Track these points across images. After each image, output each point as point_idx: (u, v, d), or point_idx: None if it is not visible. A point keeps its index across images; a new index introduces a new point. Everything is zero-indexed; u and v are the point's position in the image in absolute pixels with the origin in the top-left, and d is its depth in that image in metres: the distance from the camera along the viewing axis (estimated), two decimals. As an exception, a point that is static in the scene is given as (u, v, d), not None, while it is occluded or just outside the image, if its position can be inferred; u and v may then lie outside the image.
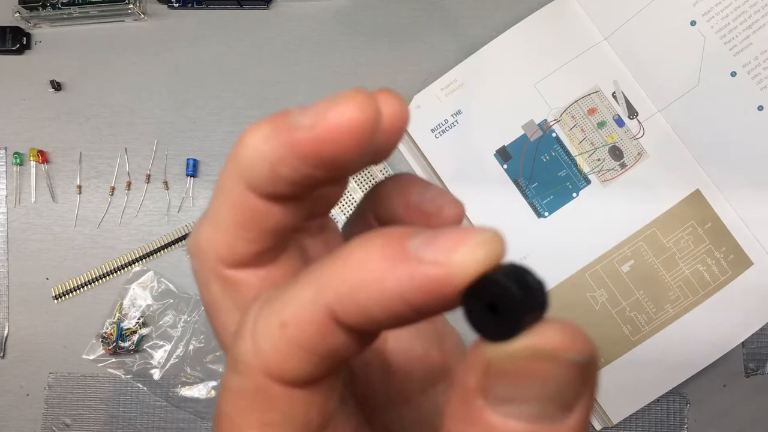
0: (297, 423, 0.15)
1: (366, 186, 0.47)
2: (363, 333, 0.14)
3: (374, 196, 0.18)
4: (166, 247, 0.48)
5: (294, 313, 0.14)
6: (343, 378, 0.16)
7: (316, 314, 0.14)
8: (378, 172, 0.47)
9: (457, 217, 0.17)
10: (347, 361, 0.15)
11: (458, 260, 0.13)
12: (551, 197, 0.46)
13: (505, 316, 0.13)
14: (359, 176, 0.47)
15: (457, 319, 0.16)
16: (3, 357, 0.48)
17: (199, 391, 0.47)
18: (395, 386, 0.18)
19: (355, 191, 0.47)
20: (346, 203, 0.47)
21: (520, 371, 0.13)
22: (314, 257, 0.18)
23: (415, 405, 0.19)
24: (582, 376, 0.13)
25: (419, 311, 0.13)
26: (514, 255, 0.46)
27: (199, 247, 0.16)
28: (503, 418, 0.13)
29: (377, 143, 0.14)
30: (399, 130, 0.15)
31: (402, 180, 0.18)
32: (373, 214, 0.18)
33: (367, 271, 0.13)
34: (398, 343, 0.19)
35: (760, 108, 0.45)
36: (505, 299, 0.12)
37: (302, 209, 0.16)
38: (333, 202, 0.17)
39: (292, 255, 0.17)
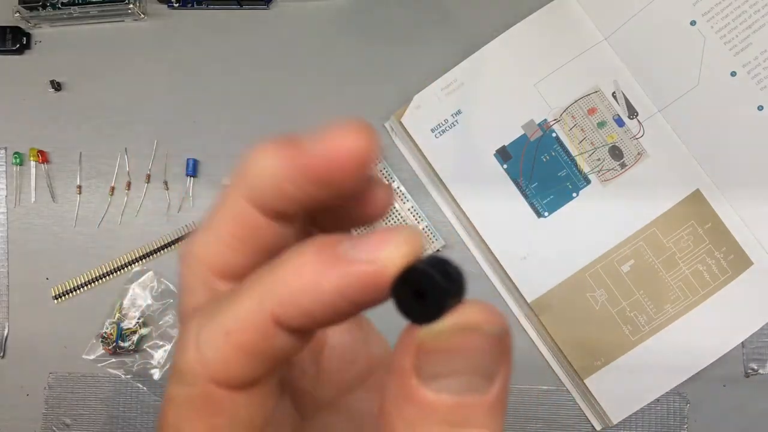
0: (241, 424, 0.16)
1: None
2: (302, 332, 0.16)
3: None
4: (166, 247, 0.48)
5: (238, 321, 0.15)
6: (281, 380, 0.17)
7: (260, 320, 0.15)
8: (378, 172, 0.47)
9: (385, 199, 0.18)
10: (286, 362, 0.16)
11: (386, 256, 0.14)
12: (551, 197, 0.46)
13: (431, 301, 0.14)
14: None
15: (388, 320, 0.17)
16: (3, 357, 0.48)
17: (199, 391, 0.47)
18: (327, 388, 0.20)
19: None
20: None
21: (448, 347, 0.14)
22: None
23: (345, 406, 0.20)
24: (500, 346, 0.15)
25: (355, 305, 0.15)
26: (514, 255, 0.46)
27: (193, 253, 0.17)
28: (435, 393, 0.14)
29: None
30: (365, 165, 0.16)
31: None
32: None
33: (306, 276, 0.15)
34: (330, 349, 0.20)
35: (760, 108, 0.45)
36: (430, 286, 0.14)
37: (291, 231, 0.17)
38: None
39: None
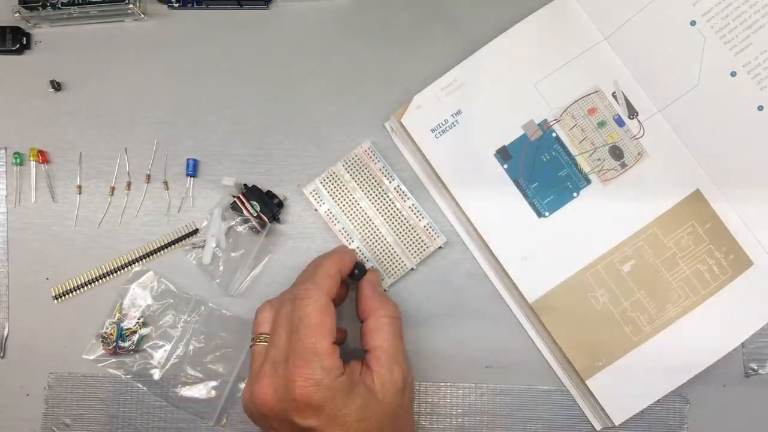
0: (333, 320, 0.40)
1: (374, 197, 0.47)
2: (341, 276, 0.42)
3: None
4: (166, 247, 0.48)
5: (327, 271, 0.41)
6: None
7: (336, 271, 0.42)
8: (378, 171, 0.47)
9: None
10: (338, 287, 0.42)
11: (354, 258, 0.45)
12: (552, 197, 0.46)
13: (360, 273, 0.44)
14: (371, 193, 0.47)
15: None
16: (3, 357, 0.48)
17: (199, 391, 0.47)
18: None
19: (362, 199, 0.47)
20: (352, 209, 0.47)
21: (369, 279, 0.44)
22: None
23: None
24: (379, 276, 0.46)
25: (349, 269, 0.44)
26: (514, 255, 0.46)
27: (315, 283, 0.40)
28: (377, 292, 0.44)
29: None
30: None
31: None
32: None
33: (343, 260, 0.43)
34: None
35: (760, 108, 0.45)
36: (361, 269, 0.45)
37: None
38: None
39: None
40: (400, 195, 0.47)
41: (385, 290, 0.47)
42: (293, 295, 0.40)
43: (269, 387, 0.38)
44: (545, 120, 0.47)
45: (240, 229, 0.48)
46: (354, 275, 0.44)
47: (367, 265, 0.47)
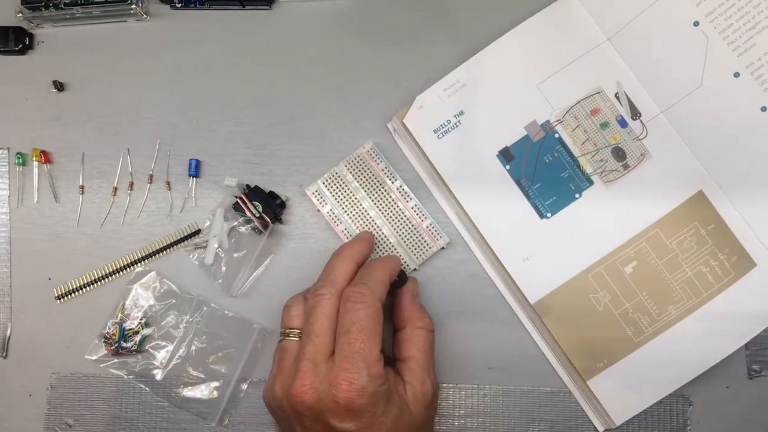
0: (382, 328, 0.39)
1: (377, 197, 0.47)
2: (390, 281, 0.42)
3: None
4: (169, 248, 0.48)
5: (381, 277, 0.41)
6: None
7: (387, 276, 0.41)
8: (380, 172, 0.47)
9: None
10: (386, 293, 0.41)
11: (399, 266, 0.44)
12: (554, 198, 0.46)
13: (402, 281, 0.44)
14: (373, 193, 0.47)
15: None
16: (5, 357, 0.48)
17: (202, 391, 0.47)
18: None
19: (364, 199, 0.47)
20: (354, 210, 0.47)
21: (409, 288, 0.44)
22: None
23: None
24: (418, 285, 0.46)
25: (393, 275, 0.42)
26: (517, 256, 0.46)
27: (336, 275, 0.41)
28: (416, 302, 0.44)
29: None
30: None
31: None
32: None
33: (394, 267, 0.43)
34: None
35: (764, 109, 0.45)
36: (402, 276, 0.44)
37: None
38: None
39: None
40: (402, 195, 0.47)
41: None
42: (346, 297, 0.40)
43: (310, 386, 0.38)
44: (548, 121, 0.47)
45: (242, 229, 0.48)
46: (395, 282, 0.43)
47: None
